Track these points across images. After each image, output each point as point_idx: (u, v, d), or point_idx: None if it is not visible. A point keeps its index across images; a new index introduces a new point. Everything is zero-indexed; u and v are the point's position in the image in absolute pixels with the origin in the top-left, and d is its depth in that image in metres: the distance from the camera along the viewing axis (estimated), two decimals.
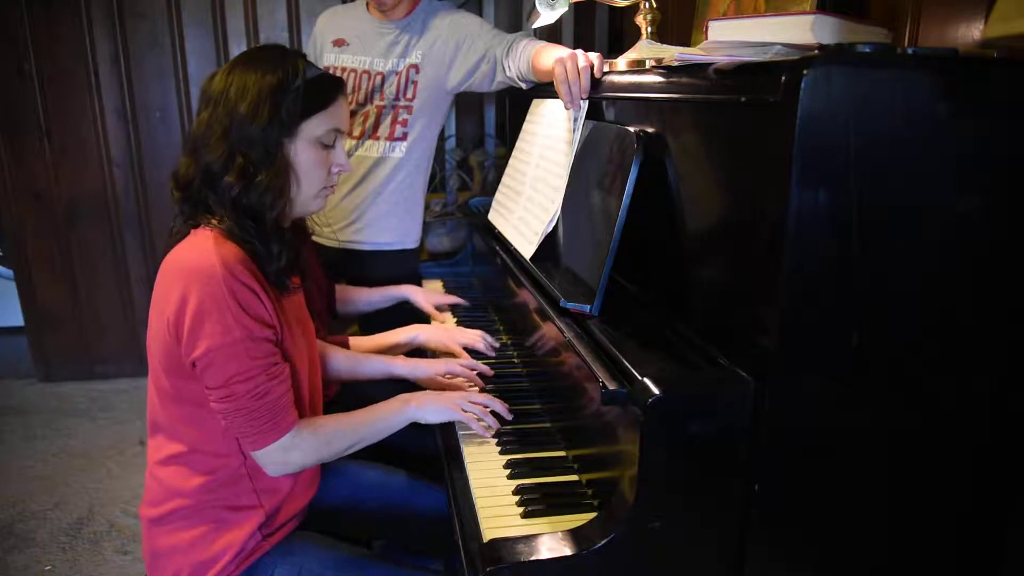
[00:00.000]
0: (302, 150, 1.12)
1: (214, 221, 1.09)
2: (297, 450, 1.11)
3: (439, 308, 1.85)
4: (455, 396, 1.26)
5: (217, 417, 1.07)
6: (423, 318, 1.82)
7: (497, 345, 1.56)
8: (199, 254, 1.04)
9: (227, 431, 1.08)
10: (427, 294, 1.87)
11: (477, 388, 1.39)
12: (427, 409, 1.23)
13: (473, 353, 1.54)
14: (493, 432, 1.24)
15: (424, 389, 1.40)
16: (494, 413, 1.26)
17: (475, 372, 1.43)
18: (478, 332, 1.57)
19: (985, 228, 0.85)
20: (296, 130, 1.11)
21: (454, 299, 1.87)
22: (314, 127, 1.12)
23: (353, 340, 1.58)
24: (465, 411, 1.23)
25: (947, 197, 0.83)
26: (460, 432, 1.26)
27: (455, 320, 1.79)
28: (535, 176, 1.53)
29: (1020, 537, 0.95)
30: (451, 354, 1.54)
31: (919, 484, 0.93)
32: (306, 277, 1.25)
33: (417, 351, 1.64)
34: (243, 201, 1.07)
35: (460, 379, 1.42)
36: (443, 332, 1.58)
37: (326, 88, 1.15)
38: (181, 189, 1.11)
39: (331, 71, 1.94)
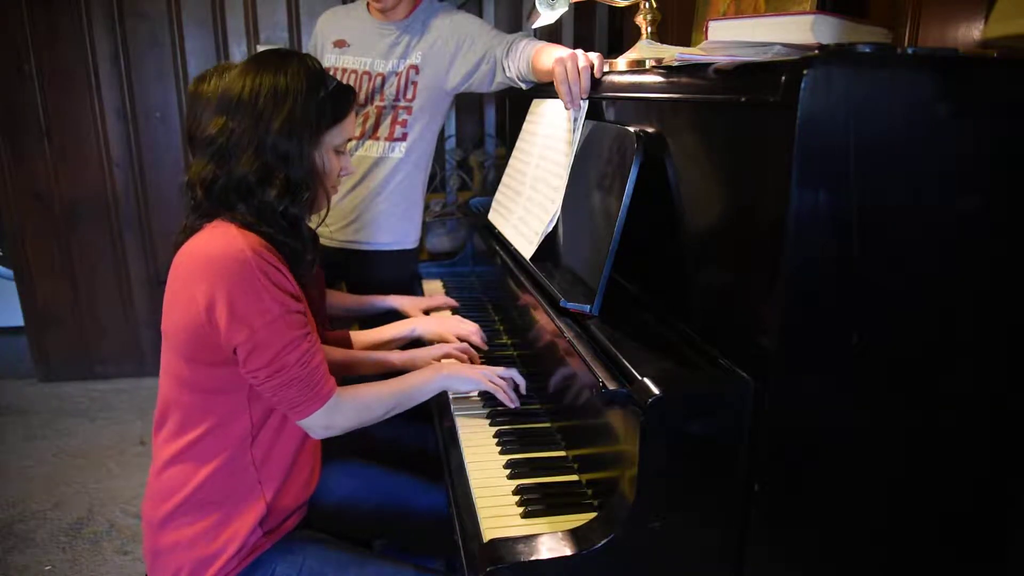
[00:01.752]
0: (327, 159, 1.18)
1: (239, 217, 1.11)
2: (339, 414, 1.15)
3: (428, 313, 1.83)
4: (483, 368, 1.32)
5: (265, 395, 1.09)
6: None
7: (487, 343, 1.57)
8: (226, 243, 1.06)
9: (276, 405, 1.11)
10: (414, 300, 1.81)
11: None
12: (458, 378, 1.29)
13: None
14: (516, 405, 1.29)
15: None
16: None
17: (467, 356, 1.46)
18: (474, 326, 1.58)
19: (985, 228, 0.85)
20: (321, 140, 1.16)
21: (443, 302, 1.83)
22: (334, 136, 1.18)
23: (353, 335, 1.58)
24: (492, 383, 1.28)
25: (947, 197, 0.83)
26: (461, 433, 1.26)
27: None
28: (535, 176, 1.53)
29: (1020, 537, 0.95)
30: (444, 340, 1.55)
31: (919, 484, 0.93)
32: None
33: (414, 344, 1.64)
34: (289, 212, 1.13)
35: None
36: (438, 323, 1.60)
37: (345, 99, 1.19)
38: (203, 190, 1.12)
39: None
